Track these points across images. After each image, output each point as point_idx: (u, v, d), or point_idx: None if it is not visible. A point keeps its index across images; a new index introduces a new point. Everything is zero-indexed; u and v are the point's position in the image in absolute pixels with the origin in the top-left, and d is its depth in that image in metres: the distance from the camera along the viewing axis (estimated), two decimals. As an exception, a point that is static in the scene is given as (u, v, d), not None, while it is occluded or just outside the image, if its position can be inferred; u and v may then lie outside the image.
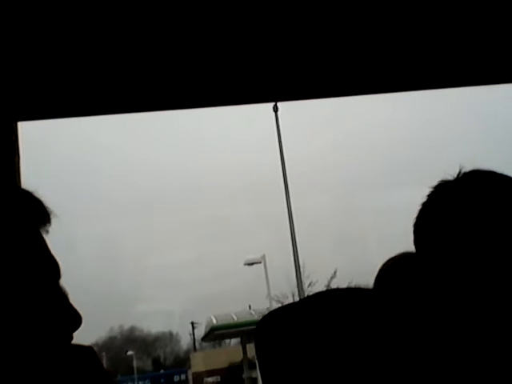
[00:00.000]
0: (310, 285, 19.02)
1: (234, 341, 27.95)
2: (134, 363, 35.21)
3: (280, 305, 1.07)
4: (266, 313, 0.99)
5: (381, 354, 0.84)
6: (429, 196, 0.90)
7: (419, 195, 0.92)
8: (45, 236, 0.83)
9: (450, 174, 0.90)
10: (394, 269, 1.11)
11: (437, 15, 1.47)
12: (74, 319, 0.82)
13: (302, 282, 16.15)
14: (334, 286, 17.99)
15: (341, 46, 1.47)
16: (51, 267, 0.81)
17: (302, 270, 16.12)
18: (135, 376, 33.77)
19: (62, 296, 0.81)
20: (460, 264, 0.81)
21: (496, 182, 0.86)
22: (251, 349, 19.46)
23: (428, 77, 1.55)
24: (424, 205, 0.90)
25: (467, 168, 0.90)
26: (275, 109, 15.90)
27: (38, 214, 0.82)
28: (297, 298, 15.21)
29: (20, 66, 1.35)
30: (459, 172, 0.90)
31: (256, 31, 1.43)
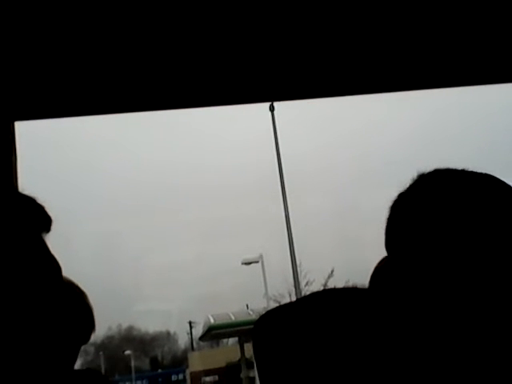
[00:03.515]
0: (306, 284, 19.06)
1: (232, 340, 27.95)
2: (132, 363, 35.19)
3: (277, 304, 1.07)
4: (264, 312, 0.99)
5: (378, 353, 0.85)
6: (395, 201, 0.91)
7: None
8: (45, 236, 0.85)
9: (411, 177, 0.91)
10: (388, 267, 1.11)
11: (436, 14, 1.47)
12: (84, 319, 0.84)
13: (298, 281, 16.16)
14: (330, 285, 18.00)
15: (337, 46, 1.47)
16: (53, 270, 0.82)
17: (298, 269, 16.14)
18: (133, 375, 33.75)
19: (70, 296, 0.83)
20: (447, 263, 0.81)
21: (457, 181, 0.87)
22: (249, 348, 19.43)
23: (427, 76, 1.55)
24: (392, 208, 0.91)
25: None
26: (271, 108, 15.92)
27: (40, 220, 0.84)
28: (294, 298, 15.21)
29: (17, 65, 1.34)
30: (417, 175, 0.91)
31: (252, 31, 1.43)
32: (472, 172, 0.88)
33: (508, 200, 0.84)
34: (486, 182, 0.86)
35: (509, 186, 0.86)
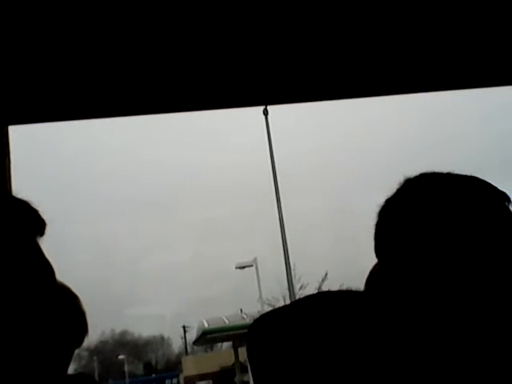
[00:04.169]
0: (301, 288, 19.07)
1: (226, 344, 27.88)
2: (126, 367, 35.07)
3: (271, 308, 1.07)
4: (258, 316, 0.99)
5: (374, 356, 0.85)
6: (384, 205, 0.91)
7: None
8: (39, 240, 0.85)
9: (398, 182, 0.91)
10: (383, 271, 1.11)
11: (433, 16, 1.47)
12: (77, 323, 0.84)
13: (293, 284, 16.15)
14: (325, 288, 18.00)
15: (331, 50, 1.48)
16: (46, 274, 0.82)
17: (293, 272, 16.13)
18: (127, 380, 33.62)
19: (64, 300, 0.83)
20: (444, 265, 0.81)
21: (443, 184, 0.87)
22: (243, 352, 19.38)
23: (424, 79, 1.55)
24: (380, 214, 0.91)
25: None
26: (265, 112, 15.92)
27: (34, 223, 0.83)
28: (288, 301, 15.18)
29: (11, 69, 1.34)
30: (403, 180, 0.91)
31: (246, 36, 1.43)
32: (458, 175, 0.89)
33: (494, 201, 0.84)
34: (471, 185, 0.87)
35: (495, 187, 0.87)
